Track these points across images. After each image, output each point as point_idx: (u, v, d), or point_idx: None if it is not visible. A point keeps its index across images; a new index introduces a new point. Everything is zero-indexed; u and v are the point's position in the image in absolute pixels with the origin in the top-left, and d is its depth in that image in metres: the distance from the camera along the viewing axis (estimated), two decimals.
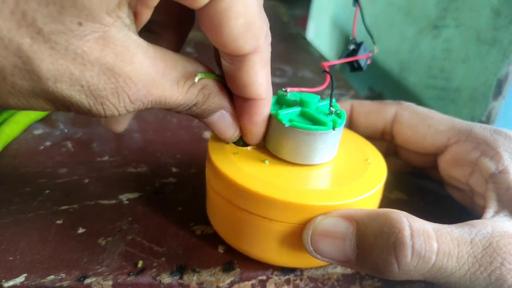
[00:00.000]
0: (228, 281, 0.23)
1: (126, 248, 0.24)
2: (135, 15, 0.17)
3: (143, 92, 0.18)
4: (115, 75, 0.17)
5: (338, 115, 0.24)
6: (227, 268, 0.24)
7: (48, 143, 0.34)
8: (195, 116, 0.22)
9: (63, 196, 0.28)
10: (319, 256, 0.21)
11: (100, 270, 0.23)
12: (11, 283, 0.21)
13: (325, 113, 0.23)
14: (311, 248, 0.21)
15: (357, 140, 0.28)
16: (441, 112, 0.29)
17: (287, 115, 0.23)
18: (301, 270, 0.24)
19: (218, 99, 0.22)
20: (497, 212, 0.22)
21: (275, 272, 0.24)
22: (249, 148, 0.25)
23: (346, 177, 0.23)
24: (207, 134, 0.38)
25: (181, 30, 0.24)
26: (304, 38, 0.70)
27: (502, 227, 0.20)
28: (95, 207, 0.27)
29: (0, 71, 0.16)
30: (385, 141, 0.31)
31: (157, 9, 0.18)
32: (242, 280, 0.23)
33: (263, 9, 0.19)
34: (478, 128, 0.26)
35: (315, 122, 0.23)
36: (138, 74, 0.18)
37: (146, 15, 0.18)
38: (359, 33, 0.25)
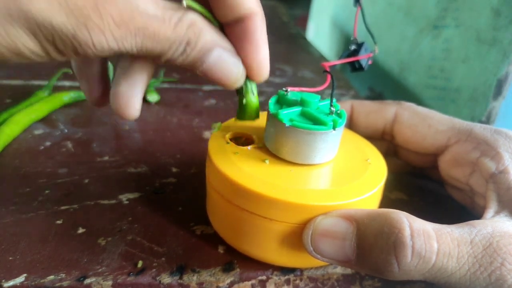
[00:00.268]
0: (228, 281, 0.23)
1: (126, 248, 0.24)
2: None
3: (127, 14, 0.17)
4: None
5: (339, 115, 0.24)
6: (227, 268, 0.24)
7: (48, 143, 0.34)
8: (192, 65, 0.20)
9: (63, 196, 0.28)
10: (319, 256, 0.21)
11: (100, 270, 0.22)
12: (11, 283, 0.21)
13: (325, 113, 0.23)
14: (311, 248, 0.21)
15: (357, 140, 0.28)
16: (441, 112, 0.29)
17: (287, 114, 0.23)
18: (301, 270, 0.24)
19: (210, 36, 0.19)
20: (497, 212, 0.22)
21: (275, 272, 0.24)
22: (249, 147, 0.24)
23: (346, 177, 0.23)
24: (207, 134, 0.38)
25: None
26: (304, 38, 0.70)
27: (502, 227, 0.20)
28: (95, 207, 0.27)
29: None
30: (385, 141, 0.31)
31: None
32: (242, 280, 0.23)
33: None
34: (479, 128, 0.26)
35: (316, 122, 0.23)
36: None
37: None
38: (359, 33, 0.25)
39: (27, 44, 0.16)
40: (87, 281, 0.22)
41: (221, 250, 0.25)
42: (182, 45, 0.19)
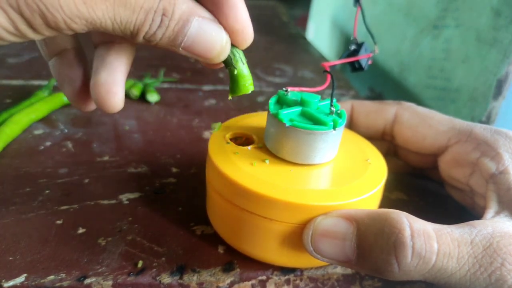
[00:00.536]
0: (228, 281, 0.23)
1: (126, 248, 0.24)
2: None
3: None
4: None
5: (339, 115, 0.24)
6: (227, 268, 0.24)
7: (48, 143, 0.34)
8: (173, 41, 0.19)
9: (63, 196, 0.28)
10: (319, 256, 0.21)
11: (100, 270, 0.22)
12: (11, 283, 0.21)
13: (325, 113, 0.23)
14: (311, 248, 0.21)
15: (357, 140, 0.28)
16: (441, 112, 0.29)
17: (287, 114, 0.23)
18: (301, 270, 0.24)
19: (186, 5, 0.18)
20: (497, 213, 0.22)
21: (275, 272, 0.24)
22: (249, 147, 0.24)
23: (347, 177, 0.23)
24: (207, 134, 0.38)
25: None
26: (304, 38, 0.70)
27: (502, 227, 0.20)
28: (95, 207, 0.27)
29: None
30: (385, 141, 0.31)
31: None
32: (242, 280, 0.23)
33: None
34: (479, 128, 0.26)
35: (316, 122, 0.23)
36: None
37: None
38: (359, 34, 0.25)
39: None
40: (87, 281, 0.22)
41: (221, 250, 0.25)
42: (158, 15, 0.18)
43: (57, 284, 0.21)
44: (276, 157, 0.24)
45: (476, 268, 0.19)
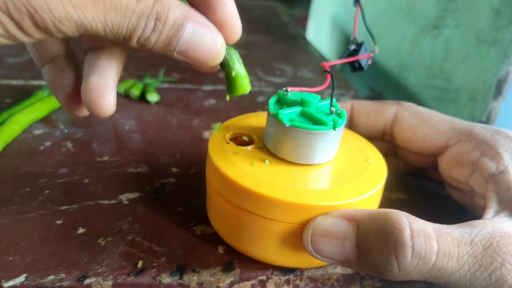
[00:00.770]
0: (228, 281, 0.23)
1: (126, 248, 0.24)
2: None
3: None
4: None
5: (339, 115, 0.24)
6: (227, 268, 0.24)
7: (48, 143, 0.34)
8: (167, 46, 0.19)
9: (63, 196, 0.28)
10: (319, 256, 0.21)
11: (100, 270, 0.22)
12: (11, 283, 0.21)
13: (325, 113, 0.23)
14: (311, 248, 0.21)
15: (357, 140, 0.28)
16: (441, 112, 0.29)
17: (287, 114, 0.23)
18: (301, 270, 0.24)
19: (180, 10, 0.18)
20: (497, 213, 0.22)
21: (275, 272, 0.24)
22: (249, 147, 0.24)
23: (346, 177, 0.23)
24: (207, 134, 0.38)
25: None
26: (304, 38, 0.70)
27: (502, 227, 0.20)
28: (95, 207, 0.27)
29: None
30: (385, 141, 0.31)
31: None
32: (242, 280, 0.23)
33: None
34: (479, 128, 0.26)
35: (316, 122, 0.23)
36: None
37: None
38: (359, 33, 0.25)
39: None
40: (87, 281, 0.22)
41: (221, 250, 0.25)
42: (151, 19, 0.18)
43: (57, 284, 0.21)
44: (276, 157, 0.24)
45: (476, 268, 0.19)
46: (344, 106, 0.31)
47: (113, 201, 0.28)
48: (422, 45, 0.48)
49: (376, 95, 0.59)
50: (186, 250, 0.25)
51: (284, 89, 0.24)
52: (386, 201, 0.28)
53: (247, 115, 0.28)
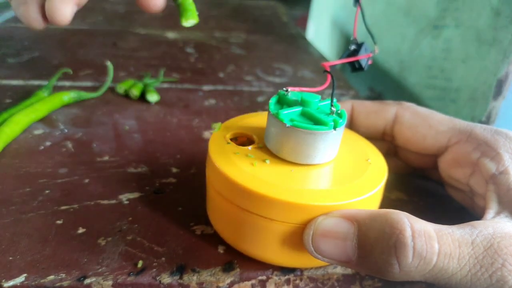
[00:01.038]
0: (228, 281, 0.23)
1: (126, 248, 0.24)
2: None
3: None
4: None
5: (339, 115, 0.24)
6: (227, 268, 0.24)
7: (48, 143, 0.34)
8: None
9: (63, 196, 0.28)
10: (320, 257, 0.21)
11: (100, 270, 0.22)
12: (11, 283, 0.21)
13: (326, 113, 0.23)
14: (312, 249, 0.21)
15: (357, 140, 0.28)
16: (441, 112, 0.29)
17: (288, 114, 0.23)
18: (301, 270, 0.24)
19: None
20: (497, 213, 0.22)
21: (275, 272, 0.24)
22: (249, 147, 0.24)
23: (347, 177, 0.23)
24: (207, 134, 0.38)
25: None
26: (304, 38, 0.70)
27: (503, 228, 0.20)
28: (95, 207, 0.27)
29: None
30: (385, 141, 0.31)
31: None
32: (242, 280, 0.23)
33: None
34: (479, 128, 0.26)
35: (316, 122, 0.23)
36: None
37: None
38: (359, 33, 0.25)
39: None
40: (87, 281, 0.22)
41: (221, 250, 0.25)
42: None
43: (57, 284, 0.21)
44: (277, 157, 0.24)
45: (477, 269, 0.19)
46: (345, 106, 0.31)
47: (113, 201, 0.28)
48: (422, 45, 0.48)
49: (376, 95, 0.59)
50: (186, 250, 0.25)
51: (284, 89, 0.24)
52: (386, 201, 0.28)
53: (247, 115, 0.28)
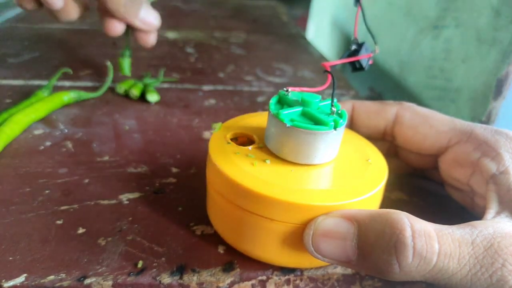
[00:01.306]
0: (228, 281, 0.23)
1: (126, 248, 0.24)
2: None
3: None
4: None
5: (340, 115, 0.24)
6: (227, 268, 0.24)
7: (48, 143, 0.34)
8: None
9: (63, 196, 0.28)
10: (320, 257, 0.21)
11: (100, 270, 0.22)
12: (11, 283, 0.21)
13: (326, 113, 0.23)
14: (312, 249, 0.21)
15: (358, 140, 0.28)
16: (441, 112, 0.29)
17: (288, 114, 0.23)
18: (301, 270, 0.24)
19: None
20: (498, 213, 0.22)
21: (275, 272, 0.24)
22: (250, 147, 0.24)
23: (347, 177, 0.23)
24: (207, 134, 0.38)
25: None
26: (304, 38, 0.70)
27: (503, 228, 0.20)
28: (95, 207, 0.27)
29: None
30: (386, 141, 0.31)
31: None
32: (242, 280, 0.23)
33: None
34: (479, 128, 0.26)
35: (317, 122, 0.23)
36: None
37: None
38: (359, 33, 0.25)
39: None
40: (87, 281, 0.22)
41: (221, 250, 0.25)
42: None
43: (57, 284, 0.21)
44: (277, 157, 0.24)
45: (477, 269, 0.19)
46: (345, 106, 0.31)
47: (113, 201, 0.28)
48: (422, 45, 0.48)
49: (376, 95, 0.59)
50: (186, 250, 0.25)
51: (285, 89, 0.24)
52: (386, 201, 0.28)
53: (247, 115, 0.28)
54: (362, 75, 0.61)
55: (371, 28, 0.25)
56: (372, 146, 0.27)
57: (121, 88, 0.43)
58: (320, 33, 0.83)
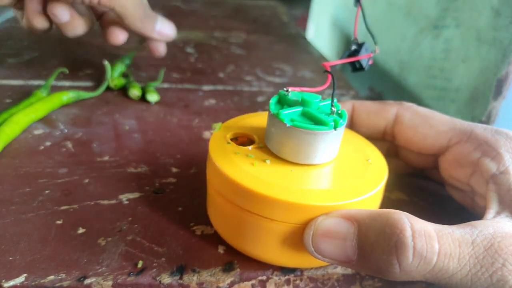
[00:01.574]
0: (228, 281, 0.23)
1: (126, 248, 0.24)
2: None
3: None
4: None
5: (340, 115, 0.24)
6: (227, 268, 0.24)
7: (48, 143, 0.34)
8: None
9: (63, 196, 0.28)
10: (320, 257, 0.21)
11: (100, 270, 0.22)
12: (11, 283, 0.21)
13: (326, 113, 0.23)
14: (312, 249, 0.21)
15: (358, 140, 0.28)
16: (441, 112, 0.29)
17: (288, 114, 0.23)
18: (301, 270, 0.24)
19: None
20: (498, 213, 0.22)
21: (275, 272, 0.24)
22: (250, 147, 0.24)
23: (347, 177, 0.23)
24: (207, 134, 0.38)
25: None
26: (304, 38, 0.70)
27: (503, 228, 0.20)
28: (95, 207, 0.27)
29: None
30: (386, 141, 0.31)
31: None
32: (242, 280, 0.23)
33: None
34: (479, 128, 0.26)
35: (317, 122, 0.23)
36: None
37: None
38: (359, 33, 0.25)
39: None
40: (87, 281, 0.22)
41: (221, 250, 0.25)
42: None
43: (57, 284, 0.21)
44: (277, 157, 0.24)
45: (477, 269, 0.19)
46: (345, 106, 0.31)
47: (113, 201, 0.28)
48: (422, 45, 0.48)
49: (376, 95, 0.59)
50: (186, 250, 0.25)
51: (285, 89, 0.24)
52: (386, 201, 0.28)
53: (247, 115, 0.28)
54: (362, 75, 0.61)
55: (371, 28, 0.25)
56: (372, 146, 0.27)
57: (113, 81, 0.43)
58: (320, 33, 0.83)
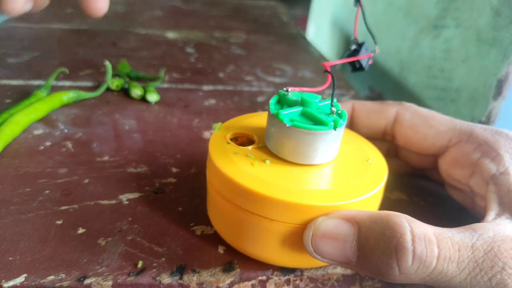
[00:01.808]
0: (228, 281, 0.23)
1: (126, 248, 0.24)
2: None
3: None
4: None
5: (339, 115, 0.23)
6: (227, 268, 0.24)
7: (48, 143, 0.34)
8: None
9: (63, 196, 0.28)
10: (319, 257, 0.21)
11: (100, 270, 0.22)
12: (11, 283, 0.21)
13: (326, 113, 0.23)
14: (312, 249, 0.21)
15: (358, 140, 0.28)
16: (441, 112, 0.29)
17: (288, 115, 0.23)
18: (301, 270, 0.24)
19: None
20: (498, 215, 0.22)
21: (275, 272, 0.24)
22: (250, 147, 0.24)
23: (347, 177, 0.23)
24: (207, 134, 0.38)
25: None
26: (304, 38, 0.70)
27: (504, 231, 0.20)
28: (95, 207, 0.27)
29: None
30: (386, 141, 0.31)
31: None
32: (242, 280, 0.23)
33: None
34: (479, 129, 0.26)
35: (316, 122, 0.23)
36: None
37: None
38: (359, 33, 0.25)
39: None
40: (87, 281, 0.22)
41: (221, 250, 0.25)
42: None
43: (57, 284, 0.21)
44: (277, 157, 0.24)
45: (476, 272, 0.19)
46: (345, 106, 0.31)
47: (113, 201, 0.28)
48: (422, 45, 0.48)
49: (376, 95, 0.59)
50: (186, 250, 0.25)
51: (284, 89, 0.24)
52: (386, 201, 0.28)
53: (247, 115, 0.28)
54: (362, 75, 0.61)
55: (371, 28, 0.25)
56: (372, 146, 0.27)
57: (113, 83, 0.43)
58: (320, 33, 0.83)
